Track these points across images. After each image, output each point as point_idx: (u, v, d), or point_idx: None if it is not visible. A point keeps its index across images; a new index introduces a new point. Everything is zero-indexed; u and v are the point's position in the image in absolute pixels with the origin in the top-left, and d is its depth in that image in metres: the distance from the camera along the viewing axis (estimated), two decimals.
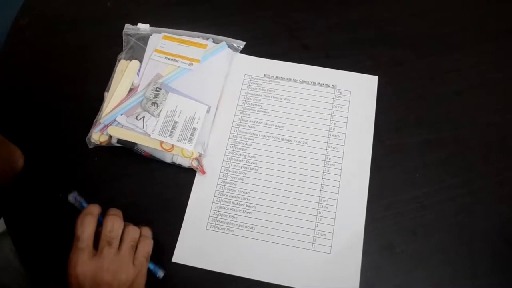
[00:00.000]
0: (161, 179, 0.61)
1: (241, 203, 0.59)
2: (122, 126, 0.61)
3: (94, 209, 0.52)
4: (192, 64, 0.65)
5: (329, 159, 0.61)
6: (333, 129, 0.63)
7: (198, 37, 0.68)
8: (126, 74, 0.64)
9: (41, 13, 0.74)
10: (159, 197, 0.60)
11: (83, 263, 0.48)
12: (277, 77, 0.67)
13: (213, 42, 0.68)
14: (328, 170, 0.60)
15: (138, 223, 0.58)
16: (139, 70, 0.65)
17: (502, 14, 0.72)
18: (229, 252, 0.56)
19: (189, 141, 0.60)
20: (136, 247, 0.51)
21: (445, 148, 0.61)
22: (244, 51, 0.68)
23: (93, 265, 0.48)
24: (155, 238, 0.56)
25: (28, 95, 0.67)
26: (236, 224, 0.57)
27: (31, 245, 0.58)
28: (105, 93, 0.64)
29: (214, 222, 0.58)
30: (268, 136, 0.62)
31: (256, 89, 0.66)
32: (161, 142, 0.59)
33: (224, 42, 0.67)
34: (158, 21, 0.70)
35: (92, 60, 0.69)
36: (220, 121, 0.63)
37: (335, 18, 0.72)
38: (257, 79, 0.67)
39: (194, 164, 0.60)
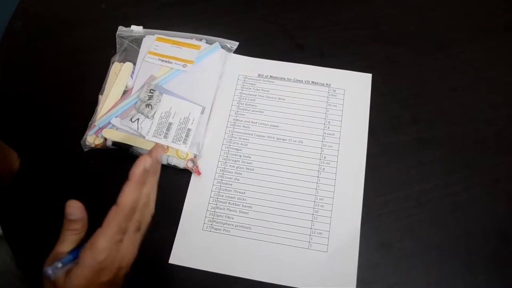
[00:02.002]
0: None
1: (237, 203, 0.59)
2: (117, 128, 0.61)
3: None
4: (186, 65, 0.65)
5: (324, 157, 0.61)
6: (328, 128, 0.63)
7: (191, 38, 0.68)
8: (120, 77, 0.64)
9: (34, 16, 0.74)
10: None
11: None
12: (271, 76, 0.67)
13: (207, 43, 0.67)
14: (323, 169, 0.60)
15: None
16: (132, 72, 0.65)
17: (496, 11, 0.72)
18: (225, 253, 0.56)
19: (184, 142, 0.60)
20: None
21: (441, 145, 0.61)
22: (238, 51, 0.68)
23: None
24: (152, 240, 0.56)
25: (22, 98, 0.67)
26: (233, 224, 0.57)
27: (28, 249, 0.58)
28: (99, 96, 0.64)
29: (211, 223, 0.58)
30: (263, 136, 0.62)
31: (250, 89, 0.66)
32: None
33: (217, 43, 0.67)
34: (151, 23, 0.70)
35: (86, 62, 0.69)
36: (215, 121, 0.63)
37: (328, 17, 0.72)
38: (251, 79, 0.67)
39: (189, 165, 0.59)
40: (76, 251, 0.43)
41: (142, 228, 0.45)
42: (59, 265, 0.42)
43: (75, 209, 0.44)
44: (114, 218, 0.42)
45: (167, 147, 0.59)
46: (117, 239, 0.42)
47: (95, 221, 0.59)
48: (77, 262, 0.41)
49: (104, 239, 0.41)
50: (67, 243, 0.44)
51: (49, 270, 0.41)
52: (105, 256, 0.41)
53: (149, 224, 0.47)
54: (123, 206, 0.42)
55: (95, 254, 0.41)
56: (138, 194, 0.43)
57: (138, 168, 0.43)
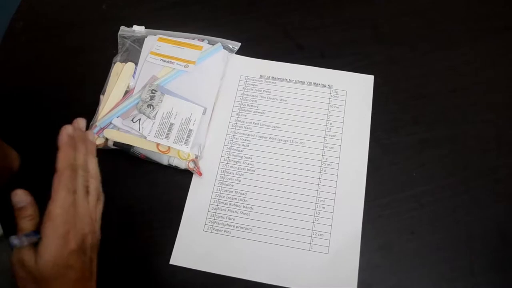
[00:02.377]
0: (158, 182, 0.60)
1: (238, 204, 0.59)
2: (118, 128, 0.61)
3: None
4: (188, 65, 0.65)
5: (326, 159, 0.61)
6: (330, 129, 0.63)
7: (193, 39, 0.68)
8: (121, 77, 0.64)
9: (36, 16, 0.74)
10: (156, 199, 0.60)
11: None
12: (273, 77, 0.67)
13: (209, 43, 0.67)
14: (325, 170, 0.60)
15: (135, 226, 0.58)
16: (134, 73, 0.65)
17: (496, 12, 0.72)
18: (226, 254, 0.56)
19: (186, 143, 0.60)
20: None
21: (442, 146, 0.62)
22: (240, 52, 0.68)
23: None
24: (153, 241, 0.56)
25: (24, 99, 0.67)
26: (234, 226, 0.57)
27: None
28: (101, 96, 0.64)
29: (212, 224, 0.58)
30: (265, 137, 0.62)
31: (252, 90, 0.66)
32: (158, 144, 0.59)
33: (219, 44, 0.67)
34: (153, 23, 0.70)
35: (88, 63, 0.69)
36: (217, 122, 0.63)
37: (330, 18, 0.72)
38: (253, 80, 0.67)
39: (191, 165, 0.59)
40: (37, 231, 0.44)
41: (93, 194, 0.48)
42: (23, 238, 0.43)
43: (20, 196, 0.46)
44: (57, 184, 0.44)
45: (169, 147, 0.59)
46: (69, 201, 0.44)
47: None
48: (40, 238, 0.43)
49: (56, 206, 0.43)
50: (25, 230, 0.45)
51: (15, 240, 0.43)
52: (64, 220, 0.43)
53: (100, 194, 0.50)
54: (61, 169, 0.45)
55: (54, 222, 0.43)
56: (71, 157, 0.47)
57: (62, 135, 0.47)
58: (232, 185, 0.60)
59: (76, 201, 0.45)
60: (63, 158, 0.46)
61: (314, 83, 0.66)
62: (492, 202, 0.58)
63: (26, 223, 0.45)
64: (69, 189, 0.45)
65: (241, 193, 0.59)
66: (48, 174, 0.61)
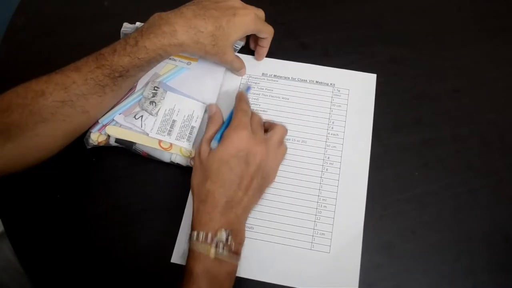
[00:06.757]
0: (159, 179, 0.60)
1: None
2: (120, 125, 0.60)
3: None
4: (190, 63, 0.65)
5: (328, 158, 0.61)
6: (332, 128, 0.62)
7: None
8: None
9: (37, 12, 0.74)
10: (158, 196, 0.60)
11: None
12: (275, 76, 0.66)
13: None
14: (327, 169, 0.60)
15: (136, 223, 0.58)
16: None
17: (500, 12, 0.72)
18: None
19: (188, 140, 0.60)
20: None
21: (444, 146, 0.61)
22: (242, 49, 0.68)
23: None
24: (153, 239, 0.56)
25: None
26: None
27: (30, 245, 0.58)
28: None
29: None
30: None
31: (254, 88, 0.66)
32: (160, 141, 0.59)
33: None
34: None
35: None
36: None
37: (333, 16, 0.72)
38: (255, 78, 0.66)
39: (193, 163, 0.59)
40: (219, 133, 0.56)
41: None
42: (215, 143, 0.55)
43: (212, 107, 0.61)
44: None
45: (171, 144, 0.59)
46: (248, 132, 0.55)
47: (97, 218, 0.59)
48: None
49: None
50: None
51: (213, 145, 0.55)
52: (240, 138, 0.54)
53: None
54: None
55: (232, 139, 0.55)
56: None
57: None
58: None
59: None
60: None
61: (317, 82, 0.66)
62: (494, 203, 0.58)
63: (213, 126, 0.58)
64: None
65: None
66: (48, 171, 0.61)
